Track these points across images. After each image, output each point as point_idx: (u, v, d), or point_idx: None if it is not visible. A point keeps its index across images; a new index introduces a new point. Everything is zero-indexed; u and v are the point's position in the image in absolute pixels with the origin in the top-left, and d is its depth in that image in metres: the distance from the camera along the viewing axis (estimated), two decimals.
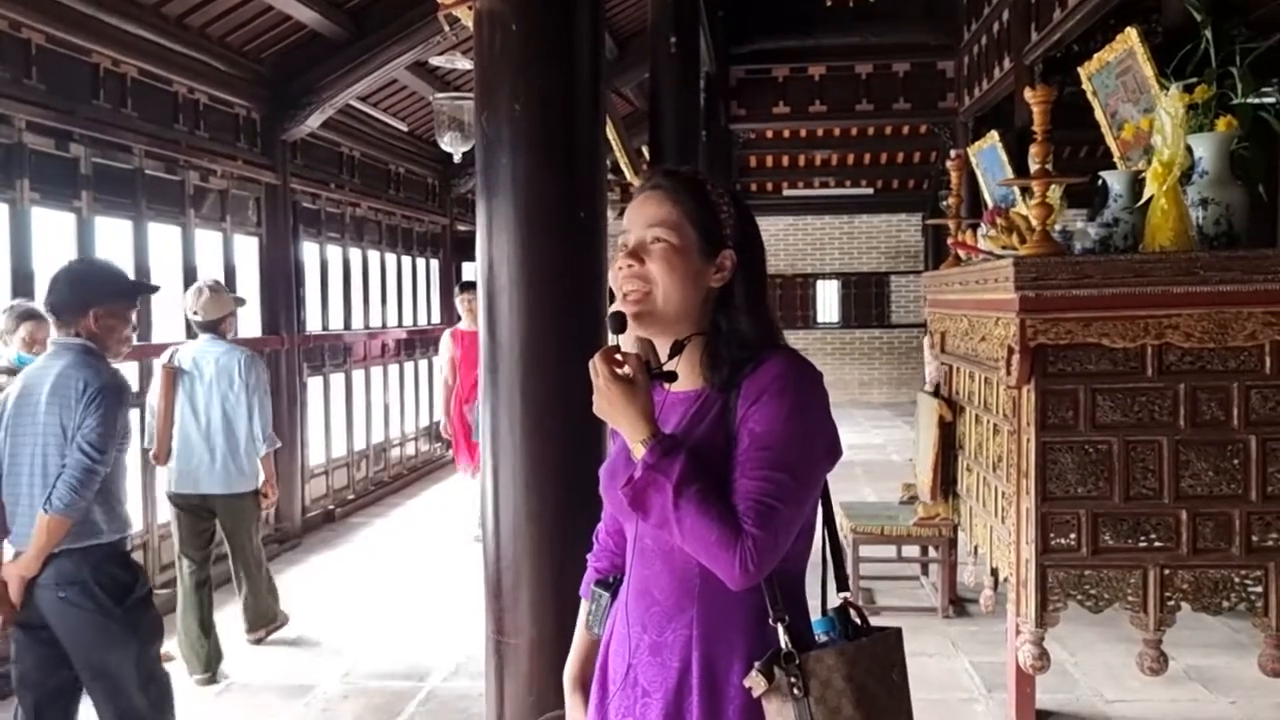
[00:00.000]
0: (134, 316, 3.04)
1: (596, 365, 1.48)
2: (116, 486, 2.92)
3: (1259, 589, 3.20)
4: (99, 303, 2.92)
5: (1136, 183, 3.52)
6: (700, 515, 1.40)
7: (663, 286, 1.50)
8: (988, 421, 3.95)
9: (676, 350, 1.53)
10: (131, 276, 3.69)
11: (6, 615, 2.77)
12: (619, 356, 1.49)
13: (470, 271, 10.00)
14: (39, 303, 3.65)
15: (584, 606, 1.81)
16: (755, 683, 1.44)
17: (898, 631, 1.54)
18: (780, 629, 1.46)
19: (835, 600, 1.57)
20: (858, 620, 1.54)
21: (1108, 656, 4.26)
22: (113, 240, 5.38)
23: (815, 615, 1.55)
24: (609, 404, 1.48)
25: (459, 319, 7.11)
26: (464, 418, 6.73)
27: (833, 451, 1.51)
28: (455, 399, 6.83)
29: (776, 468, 1.42)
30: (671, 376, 1.54)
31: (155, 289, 4.14)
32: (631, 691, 1.56)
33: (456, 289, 7.06)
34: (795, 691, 1.41)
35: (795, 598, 1.53)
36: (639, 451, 1.45)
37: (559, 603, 2.50)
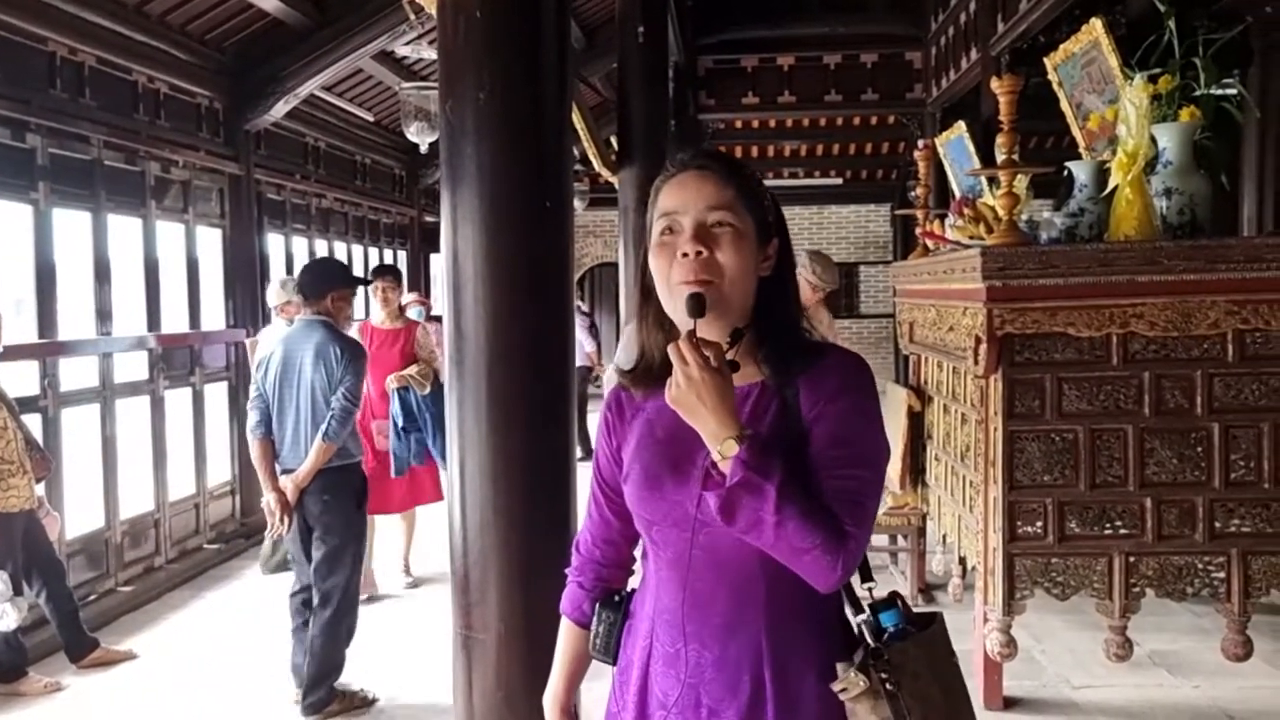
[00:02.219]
0: (354, 301, 4.36)
1: (686, 353, 1.32)
2: (355, 425, 4.05)
3: (1221, 575, 3.24)
4: (334, 289, 4.11)
5: (1102, 173, 3.54)
6: (804, 519, 1.30)
7: (730, 274, 1.40)
8: (956, 411, 3.97)
9: (737, 338, 1.42)
10: (352, 271, 5.15)
11: (287, 511, 3.90)
12: (700, 344, 1.34)
13: (439, 263, 9.87)
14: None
15: (569, 629, 1.69)
16: (852, 683, 1.38)
17: (943, 615, 1.52)
18: (865, 626, 1.43)
19: (860, 592, 1.52)
20: (908, 607, 1.51)
21: (1074, 643, 4.30)
22: (71, 232, 5.27)
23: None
24: (697, 398, 1.31)
25: (435, 312, 6.70)
26: (373, 439, 5.28)
27: (889, 448, 1.51)
28: (364, 412, 5.04)
29: (862, 465, 1.39)
30: (735, 367, 1.39)
31: (367, 281, 5.42)
32: (695, 713, 1.45)
33: (370, 274, 5.92)
34: (888, 686, 1.37)
35: (851, 590, 1.50)
36: (730, 450, 1.32)
37: (527, 597, 2.48)
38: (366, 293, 6.40)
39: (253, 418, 4.02)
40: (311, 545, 3.96)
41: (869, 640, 1.41)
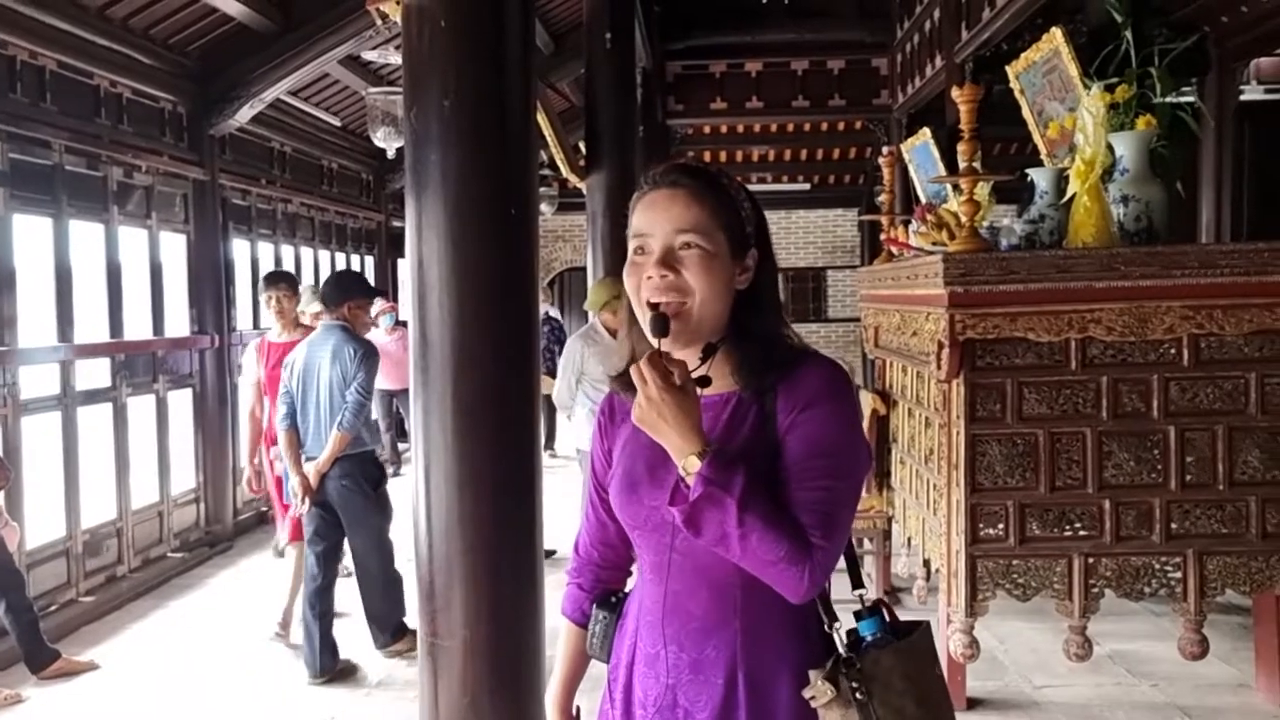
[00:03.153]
0: (371, 309, 4.87)
1: (646, 373, 1.35)
2: (370, 416, 4.43)
3: (1178, 575, 3.29)
4: (351, 298, 4.60)
5: (1061, 179, 3.60)
6: (767, 531, 1.32)
7: (700, 296, 1.42)
8: (920, 415, 4.02)
9: (709, 353, 1.44)
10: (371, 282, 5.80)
11: (308, 493, 4.38)
12: (665, 362, 1.37)
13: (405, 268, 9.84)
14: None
15: (568, 629, 1.71)
16: (821, 691, 1.39)
17: (929, 625, 1.51)
18: (836, 635, 1.43)
19: (849, 598, 1.53)
20: (893, 616, 1.50)
21: (1036, 643, 4.36)
22: (32, 238, 5.21)
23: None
24: (658, 415, 1.35)
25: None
26: (274, 467, 5.04)
27: (871, 456, 1.50)
28: (265, 438, 5.14)
29: (836, 476, 1.38)
30: (705, 382, 1.43)
31: (383, 292, 5.70)
32: (672, 714, 1.48)
33: (261, 283, 5.16)
34: (859, 696, 1.37)
35: (827, 599, 1.49)
36: (693, 465, 1.34)
37: (493, 603, 2.48)
38: (281, 300, 5.68)
39: (280, 411, 4.58)
40: (329, 523, 4.51)
41: (840, 649, 1.42)
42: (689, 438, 1.35)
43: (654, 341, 1.42)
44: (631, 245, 1.47)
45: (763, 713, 1.43)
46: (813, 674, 1.41)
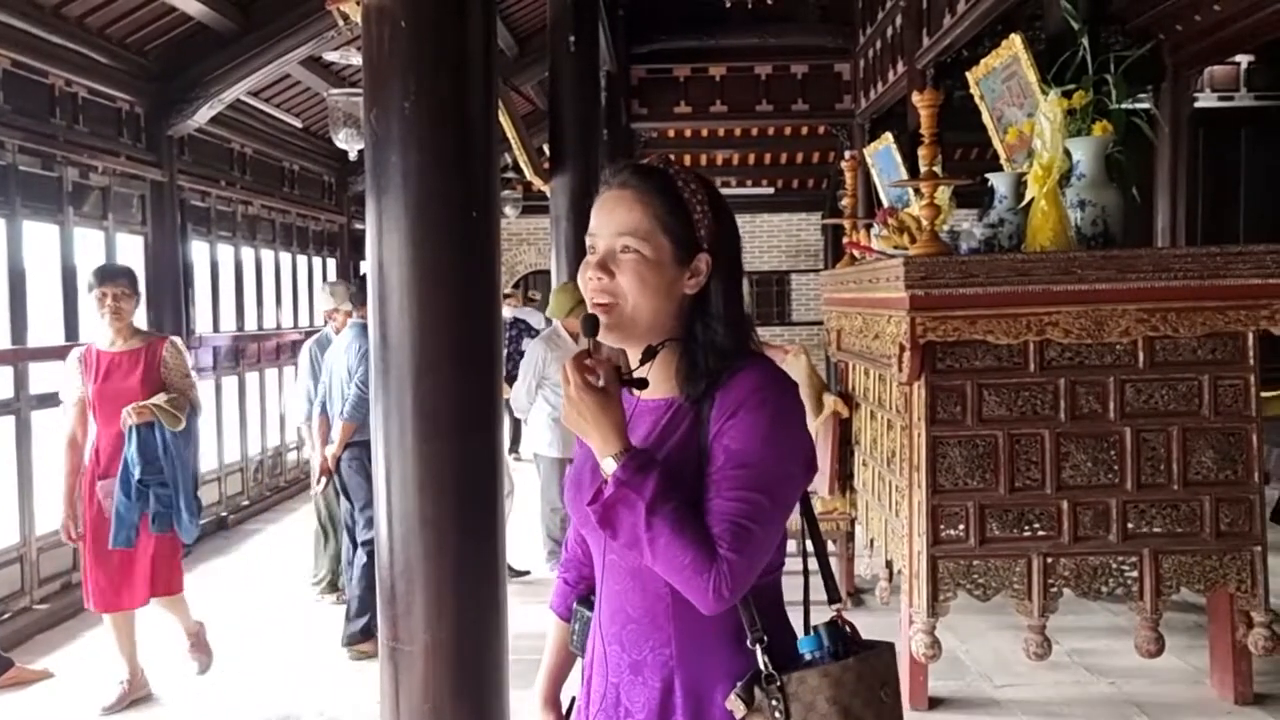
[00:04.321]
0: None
1: (569, 372, 1.38)
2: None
3: (1135, 574, 3.35)
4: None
5: (1020, 184, 3.65)
6: (674, 537, 1.31)
7: (632, 301, 1.42)
8: (882, 417, 4.05)
9: (649, 356, 1.44)
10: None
11: (325, 473, 4.88)
12: (589, 363, 1.39)
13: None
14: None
15: (555, 624, 1.73)
16: (735, 706, 1.38)
17: (889, 647, 1.47)
18: (759, 650, 1.39)
19: (827, 614, 1.50)
20: (849, 634, 1.45)
21: (997, 643, 4.40)
22: None
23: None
24: (579, 415, 1.37)
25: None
26: (98, 507, 3.97)
27: (809, 467, 1.44)
28: (87, 472, 4.01)
29: (753, 488, 1.34)
30: (642, 384, 1.44)
31: None
32: (615, 712, 1.49)
33: (91, 278, 4.11)
34: (776, 715, 1.36)
35: (775, 610, 1.47)
36: (610, 466, 1.35)
37: (455, 608, 2.47)
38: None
39: (318, 404, 5.08)
40: (343, 501, 4.96)
41: (761, 664, 1.39)
42: (609, 438, 1.36)
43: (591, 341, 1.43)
44: (587, 243, 1.48)
45: (697, 717, 1.42)
46: (738, 686, 1.39)
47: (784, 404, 1.41)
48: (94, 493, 3.97)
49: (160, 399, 3.95)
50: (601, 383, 1.37)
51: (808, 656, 1.41)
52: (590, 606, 1.62)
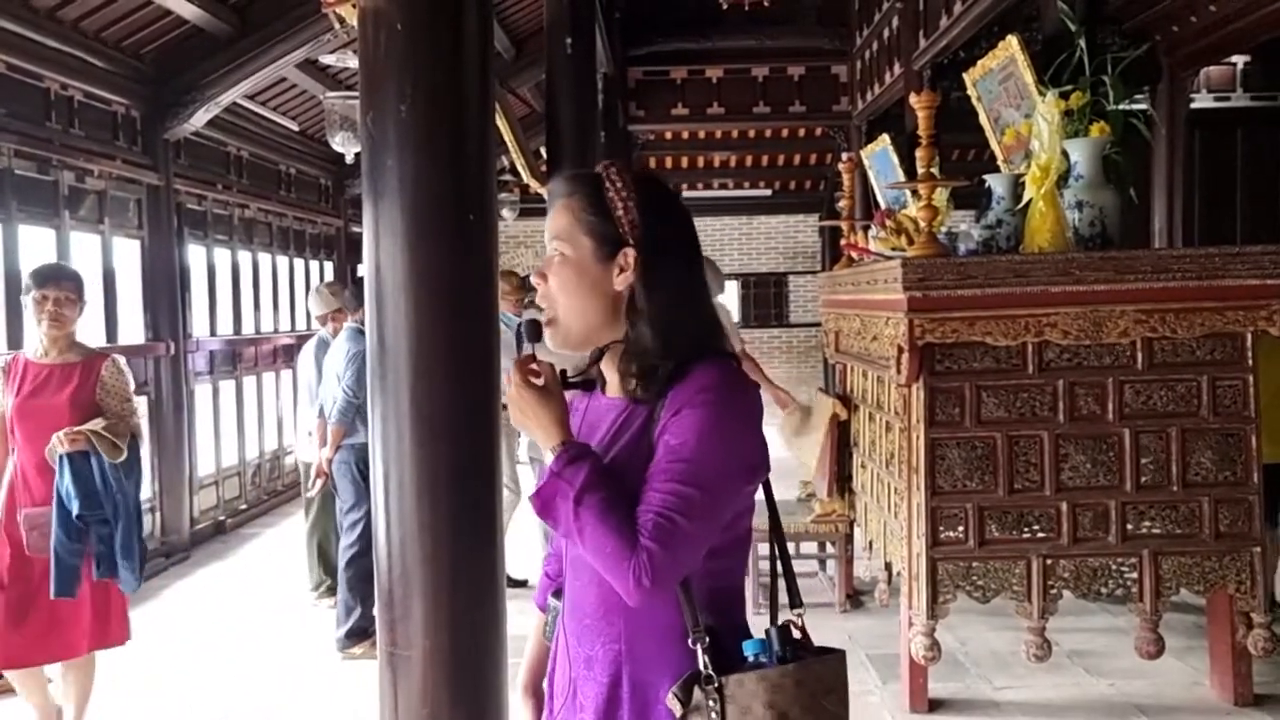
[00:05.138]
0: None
1: (510, 373, 1.46)
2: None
3: (1134, 575, 3.35)
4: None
5: (1018, 185, 3.64)
6: (599, 525, 1.35)
7: (561, 304, 1.47)
8: (881, 419, 4.04)
9: (596, 358, 1.50)
10: None
11: (320, 475, 4.92)
12: (535, 366, 1.47)
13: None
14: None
15: (537, 616, 1.77)
16: (672, 704, 1.39)
17: (840, 655, 1.46)
18: (699, 650, 1.39)
19: (784, 617, 1.50)
20: (800, 640, 1.45)
21: (996, 645, 4.39)
22: None
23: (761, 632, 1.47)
24: (520, 412, 1.45)
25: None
26: (19, 541, 3.39)
27: (756, 469, 1.44)
28: (7, 498, 3.46)
29: (686, 482, 1.35)
30: (588, 385, 1.50)
31: None
32: (572, 704, 1.52)
33: (31, 279, 3.53)
34: (713, 716, 1.36)
35: (727, 614, 1.47)
36: (548, 459, 1.42)
37: (453, 613, 2.45)
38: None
39: (315, 407, 5.15)
40: (332, 502, 5.09)
41: (700, 664, 1.39)
42: (549, 432, 1.43)
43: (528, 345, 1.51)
44: None
45: (644, 715, 1.44)
46: (674, 687, 1.41)
47: (730, 404, 1.41)
48: (11, 526, 3.37)
49: (97, 424, 3.37)
50: (542, 382, 1.46)
51: (750, 659, 1.41)
52: (560, 598, 1.65)
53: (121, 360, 3.63)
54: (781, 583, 1.56)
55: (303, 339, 9.38)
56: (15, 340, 5.25)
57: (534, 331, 1.51)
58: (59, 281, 3.49)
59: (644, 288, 1.45)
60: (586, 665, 1.49)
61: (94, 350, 3.66)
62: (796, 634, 1.46)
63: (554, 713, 1.59)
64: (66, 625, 3.41)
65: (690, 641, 1.40)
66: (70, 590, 3.33)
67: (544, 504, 1.41)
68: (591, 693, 1.47)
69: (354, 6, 2.60)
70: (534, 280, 1.51)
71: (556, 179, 1.58)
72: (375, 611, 2.58)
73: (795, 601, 1.53)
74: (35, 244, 5.56)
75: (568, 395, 1.53)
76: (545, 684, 1.67)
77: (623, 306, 1.46)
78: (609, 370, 1.53)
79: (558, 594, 1.67)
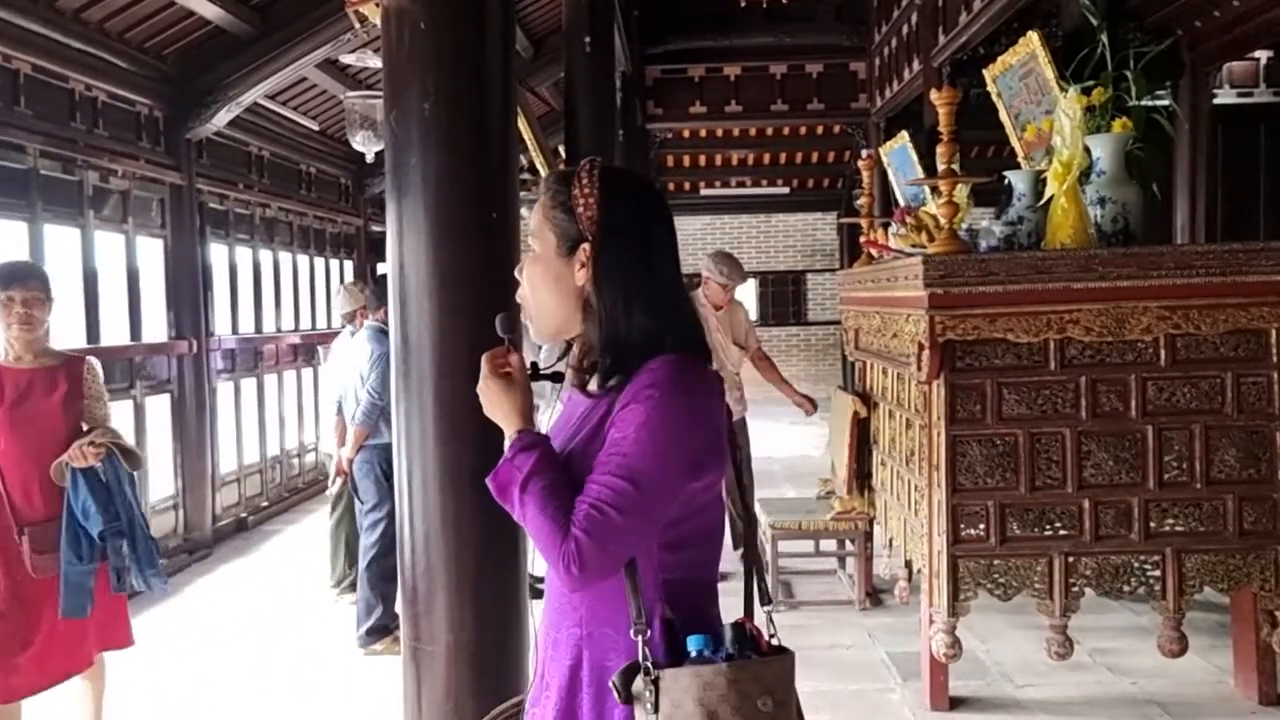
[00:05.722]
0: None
1: (482, 364, 1.53)
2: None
3: (1157, 573, 3.32)
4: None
5: (1039, 182, 3.63)
6: (538, 511, 1.40)
7: (531, 298, 1.54)
8: (901, 416, 4.03)
9: (564, 351, 1.57)
10: None
11: (340, 474, 4.97)
12: (503, 359, 1.54)
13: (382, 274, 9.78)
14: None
15: None
16: (613, 690, 1.42)
17: (786, 658, 1.46)
18: (640, 641, 1.41)
19: (760, 615, 1.53)
20: (753, 639, 1.45)
21: (1018, 643, 4.38)
22: (6, 243, 5.15)
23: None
24: (486, 400, 1.53)
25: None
26: (25, 562, 3.11)
27: (700, 467, 1.44)
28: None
29: (621, 475, 1.38)
30: (556, 377, 1.57)
31: None
32: (540, 683, 1.57)
33: None
34: (648, 707, 1.39)
35: (691, 607, 1.48)
36: (506, 446, 1.49)
37: (476, 608, 2.47)
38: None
39: (335, 403, 5.19)
40: (357, 502, 5.06)
41: (640, 656, 1.41)
42: (510, 420, 1.51)
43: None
44: None
45: (602, 700, 1.46)
46: (614, 675, 1.44)
47: (676, 401, 1.41)
48: (9, 546, 3.08)
49: (107, 435, 3.21)
50: (512, 373, 1.52)
51: (693, 654, 1.43)
52: None
53: (96, 363, 3.39)
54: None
55: (323, 337, 9.49)
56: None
57: (505, 324, 1.58)
58: (26, 281, 3.19)
59: (593, 283, 1.48)
60: (553, 647, 1.54)
61: (67, 353, 3.42)
62: (753, 632, 1.47)
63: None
64: (74, 639, 3.20)
65: (632, 633, 1.42)
66: (81, 610, 3.15)
67: (499, 488, 1.47)
68: (556, 673, 1.52)
69: (377, 5, 2.62)
70: (516, 274, 1.57)
71: (548, 175, 1.61)
72: (399, 607, 2.61)
73: (765, 599, 1.58)
74: (60, 243, 5.62)
75: (537, 386, 1.60)
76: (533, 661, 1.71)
77: (586, 301, 1.50)
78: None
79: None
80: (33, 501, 3.12)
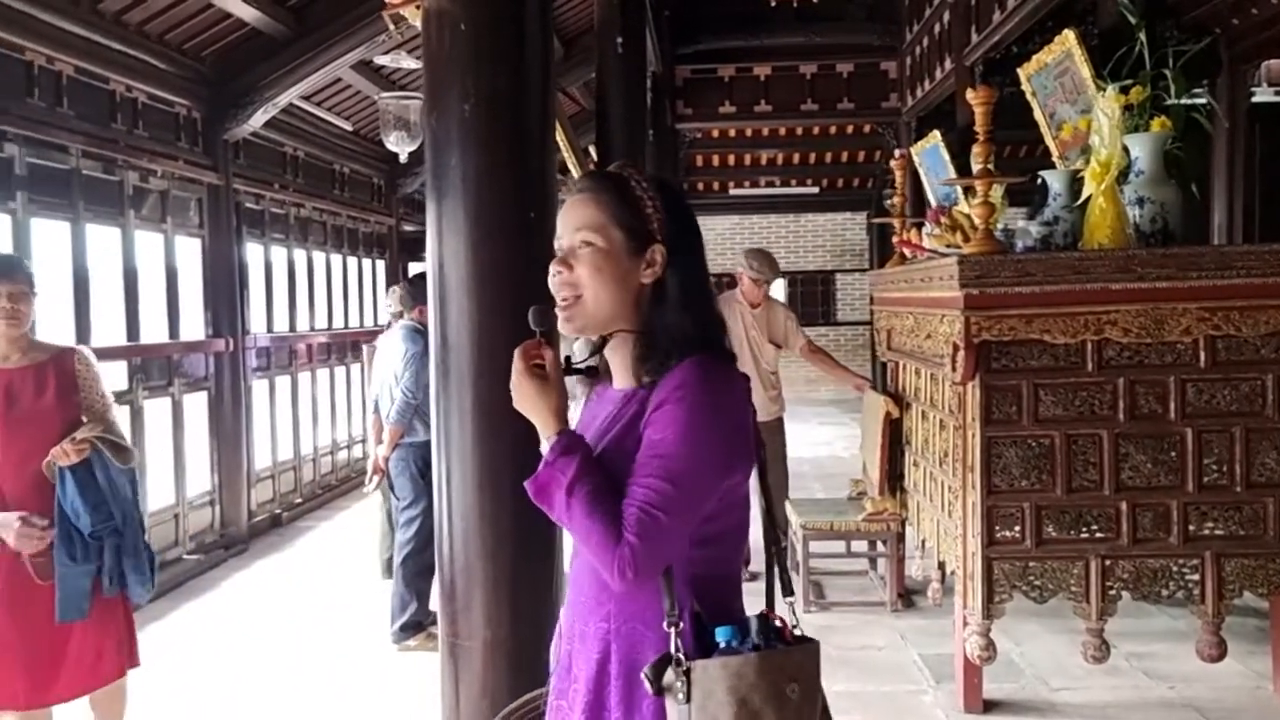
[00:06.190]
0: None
1: (515, 360, 1.52)
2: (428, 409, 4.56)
3: (1196, 577, 3.29)
4: (423, 301, 4.40)
5: (1075, 182, 3.60)
6: (587, 515, 1.42)
7: (591, 291, 1.52)
8: (934, 417, 4.02)
9: (599, 346, 1.56)
10: None
11: (377, 472, 5.02)
12: (540, 352, 1.53)
13: (415, 273, 9.89)
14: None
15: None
16: (645, 682, 1.46)
17: (811, 646, 1.51)
18: (673, 633, 1.45)
19: (781, 607, 1.57)
20: (779, 629, 1.50)
21: (1051, 646, 4.35)
22: (49, 242, 5.24)
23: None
24: (519, 398, 1.52)
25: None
26: (18, 569, 2.95)
27: (729, 465, 1.48)
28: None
29: (664, 477, 1.42)
30: (591, 372, 1.57)
31: None
32: (567, 676, 1.60)
33: None
34: (679, 697, 1.43)
35: (717, 601, 1.52)
36: (544, 447, 1.49)
37: (513, 605, 2.49)
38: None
39: (373, 402, 5.26)
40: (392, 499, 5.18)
41: (672, 648, 1.45)
42: (546, 420, 1.50)
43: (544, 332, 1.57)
44: (555, 248, 1.60)
45: (632, 692, 1.49)
46: (646, 667, 1.47)
47: (707, 401, 1.46)
48: (4, 555, 2.93)
49: (94, 429, 3.01)
50: (547, 369, 1.51)
51: (721, 645, 1.47)
52: None
53: (88, 351, 3.22)
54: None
55: (356, 335, 9.59)
56: (84, 334, 5.39)
57: (541, 318, 1.56)
58: (12, 275, 3.01)
59: (676, 280, 1.54)
60: (581, 640, 1.57)
61: (57, 346, 3.19)
62: (778, 623, 1.52)
63: (551, 679, 1.68)
64: (92, 652, 3.06)
65: (665, 625, 1.46)
66: (79, 612, 2.99)
67: (538, 490, 1.48)
68: (584, 666, 1.55)
69: (418, 7, 2.64)
70: (554, 268, 1.54)
71: (584, 175, 1.63)
72: (437, 603, 2.63)
73: (786, 590, 1.63)
74: (101, 242, 5.71)
75: (569, 381, 1.61)
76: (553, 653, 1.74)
77: (642, 299, 1.54)
78: (612, 360, 1.60)
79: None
80: (30, 505, 2.95)
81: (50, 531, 2.94)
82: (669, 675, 1.44)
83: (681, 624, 1.46)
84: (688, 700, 1.42)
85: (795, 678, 1.46)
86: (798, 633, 1.54)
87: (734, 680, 1.42)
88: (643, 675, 1.46)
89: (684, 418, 1.43)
